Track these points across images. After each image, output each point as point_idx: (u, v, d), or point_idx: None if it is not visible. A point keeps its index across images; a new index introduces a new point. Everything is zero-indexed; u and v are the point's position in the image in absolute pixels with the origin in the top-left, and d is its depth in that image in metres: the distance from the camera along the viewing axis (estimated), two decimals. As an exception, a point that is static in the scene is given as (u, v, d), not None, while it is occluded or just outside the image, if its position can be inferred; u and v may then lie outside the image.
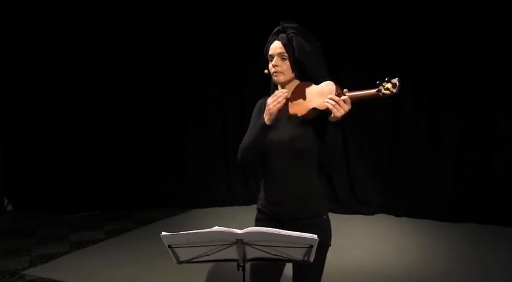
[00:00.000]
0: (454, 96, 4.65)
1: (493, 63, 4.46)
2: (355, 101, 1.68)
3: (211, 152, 5.51)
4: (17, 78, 5.32)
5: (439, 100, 4.72)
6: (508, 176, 4.51)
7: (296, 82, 1.85)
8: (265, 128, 1.79)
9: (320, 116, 1.75)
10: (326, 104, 1.68)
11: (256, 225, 1.95)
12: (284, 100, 1.75)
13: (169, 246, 1.59)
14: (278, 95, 1.76)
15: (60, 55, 5.23)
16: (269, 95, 1.96)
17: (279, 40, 1.82)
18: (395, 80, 1.60)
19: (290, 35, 1.78)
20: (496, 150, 4.54)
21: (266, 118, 1.77)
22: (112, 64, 5.27)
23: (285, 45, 1.80)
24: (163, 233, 1.56)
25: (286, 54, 1.80)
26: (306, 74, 1.81)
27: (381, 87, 1.61)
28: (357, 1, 4.78)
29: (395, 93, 1.60)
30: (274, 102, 1.75)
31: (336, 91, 1.69)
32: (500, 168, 4.53)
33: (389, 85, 1.60)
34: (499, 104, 4.50)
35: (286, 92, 1.77)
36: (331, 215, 1.97)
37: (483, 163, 4.61)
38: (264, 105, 1.97)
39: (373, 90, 1.63)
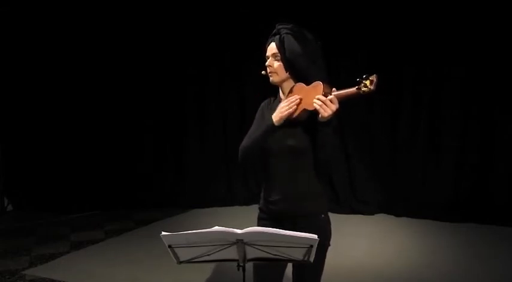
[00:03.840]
0: (454, 96, 4.65)
1: (493, 63, 4.45)
2: (341, 100, 1.69)
3: (211, 152, 5.51)
4: (17, 78, 5.32)
5: (439, 100, 4.72)
6: (508, 176, 4.51)
7: (292, 82, 1.87)
8: (272, 129, 1.82)
9: (314, 116, 1.76)
10: (314, 104, 1.69)
11: (257, 224, 1.97)
12: (296, 106, 1.78)
13: (170, 246, 1.59)
14: (291, 100, 1.79)
15: (60, 55, 5.23)
16: (275, 97, 1.98)
17: (274, 41, 1.86)
18: (372, 77, 1.61)
19: (282, 35, 1.82)
20: (496, 150, 4.53)
21: (275, 120, 1.80)
22: (112, 64, 5.27)
23: (277, 46, 1.84)
24: (163, 233, 1.56)
25: (279, 55, 1.83)
26: (300, 74, 1.83)
27: (360, 84, 1.62)
28: (357, 1, 4.78)
29: (372, 89, 1.61)
30: (287, 107, 1.78)
31: (323, 90, 1.70)
32: (500, 168, 4.53)
33: (367, 82, 1.61)
34: (499, 104, 4.49)
35: (299, 98, 1.79)
36: (331, 215, 1.97)
37: (483, 163, 4.61)
38: (267, 107, 1.99)
39: (354, 88, 1.65)
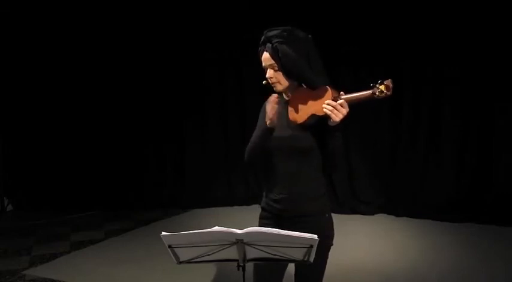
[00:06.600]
0: (454, 96, 4.64)
1: (493, 62, 4.44)
2: (351, 103, 1.68)
3: (211, 152, 5.51)
4: (17, 79, 5.33)
5: (440, 100, 4.71)
6: (508, 176, 4.51)
7: (296, 85, 1.85)
8: (266, 131, 1.83)
9: (320, 118, 1.75)
10: (324, 109, 1.67)
11: (259, 223, 1.97)
12: (276, 105, 1.77)
13: (170, 246, 1.59)
14: (270, 100, 1.79)
15: (60, 56, 5.24)
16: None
17: (267, 51, 1.82)
18: (388, 82, 1.61)
19: (274, 44, 1.78)
20: (496, 150, 4.53)
21: (268, 123, 1.81)
22: (112, 64, 5.28)
23: (272, 56, 1.80)
24: (163, 233, 1.56)
25: (276, 66, 1.80)
26: (301, 78, 1.82)
27: (375, 89, 1.62)
28: (358, 1, 4.77)
29: (389, 94, 1.62)
30: (270, 110, 1.78)
31: (332, 95, 1.68)
32: (500, 168, 4.53)
33: (382, 87, 1.61)
34: (500, 104, 4.49)
35: (277, 96, 1.79)
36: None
37: (483, 163, 4.60)
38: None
39: (368, 92, 1.64)
